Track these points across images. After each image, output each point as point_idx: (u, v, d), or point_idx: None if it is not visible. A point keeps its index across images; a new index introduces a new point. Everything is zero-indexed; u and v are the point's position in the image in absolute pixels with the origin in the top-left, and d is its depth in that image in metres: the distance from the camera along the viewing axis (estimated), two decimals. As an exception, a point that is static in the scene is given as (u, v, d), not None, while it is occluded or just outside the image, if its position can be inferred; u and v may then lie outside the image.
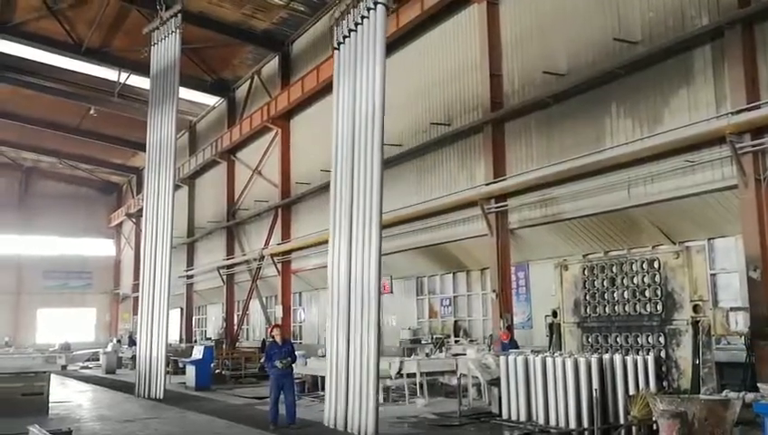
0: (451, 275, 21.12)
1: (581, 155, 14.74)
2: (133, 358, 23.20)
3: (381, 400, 13.93)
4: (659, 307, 10.65)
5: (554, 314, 12.49)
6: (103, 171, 47.67)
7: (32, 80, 31.37)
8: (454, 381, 13.89)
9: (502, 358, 11.70)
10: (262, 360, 17.37)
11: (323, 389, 12.84)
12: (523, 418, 10.99)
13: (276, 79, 27.95)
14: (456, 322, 20.79)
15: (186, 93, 29.65)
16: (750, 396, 8.75)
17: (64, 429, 9.83)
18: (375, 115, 11.38)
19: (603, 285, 11.54)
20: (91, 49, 28.73)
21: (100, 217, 49.35)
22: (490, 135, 17.32)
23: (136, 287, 33.46)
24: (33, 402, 13.75)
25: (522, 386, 11.05)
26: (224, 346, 27.58)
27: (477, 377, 13.28)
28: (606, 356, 10.38)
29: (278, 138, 27.45)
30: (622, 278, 11.27)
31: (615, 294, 11.34)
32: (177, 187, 22.51)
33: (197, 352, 20.64)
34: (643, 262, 11.02)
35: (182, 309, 36.00)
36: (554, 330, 12.51)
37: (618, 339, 11.23)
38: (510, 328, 16.46)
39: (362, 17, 12.07)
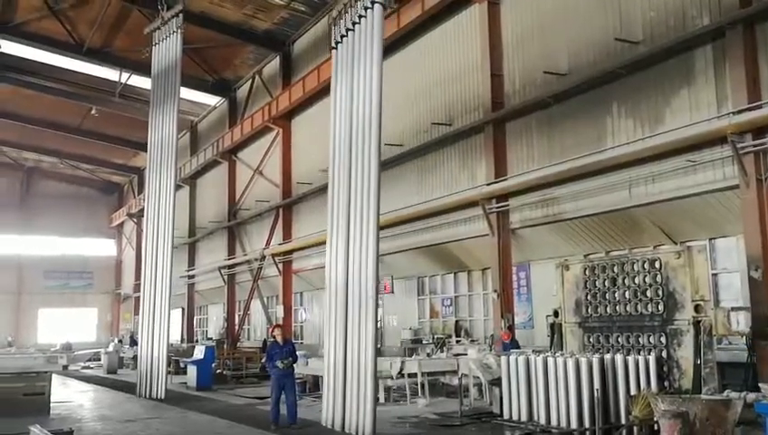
0: (452, 274, 21.12)
1: (582, 155, 14.73)
2: (134, 358, 23.24)
3: (382, 400, 13.98)
4: (661, 307, 10.65)
5: (555, 313, 12.52)
6: (104, 171, 47.69)
7: (33, 80, 31.41)
8: (455, 382, 13.87)
9: (503, 358, 11.70)
10: (263, 360, 17.37)
11: (324, 389, 12.84)
12: (524, 418, 10.98)
13: (277, 79, 27.96)
14: (457, 322, 20.78)
15: (187, 93, 29.66)
16: (751, 396, 8.74)
17: (66, 429, 9.86)
18: (372, 115, 11.38)
19: (604, 285, 11.54)
20: (93, 49, 28.75)
21: (101, 217, 49.36)
22: (491, 135, 17.32)
23: (137, 287, 33.45)
24: (35, 402, 13.76)
25: (523, 386, 11.04)
26: (225, 346, 27.58)
27: (478, 377, 13.28)
28: (607, 356, 10.38)
29: (279, 138, 27.46)
30: (623, 278, 11.27)
31: (616, 294, 11.34)
32: (178, 187, 22.54)
33: (199, 353, 20.64)
34: (644, 262, 11.02)
35: (183, 309, 36.00)
36: (556, 330, 12.54)
37: (619, 339, 11.23)
38: (511, 328, 16.46)
39: (360, 17, 12.06)
